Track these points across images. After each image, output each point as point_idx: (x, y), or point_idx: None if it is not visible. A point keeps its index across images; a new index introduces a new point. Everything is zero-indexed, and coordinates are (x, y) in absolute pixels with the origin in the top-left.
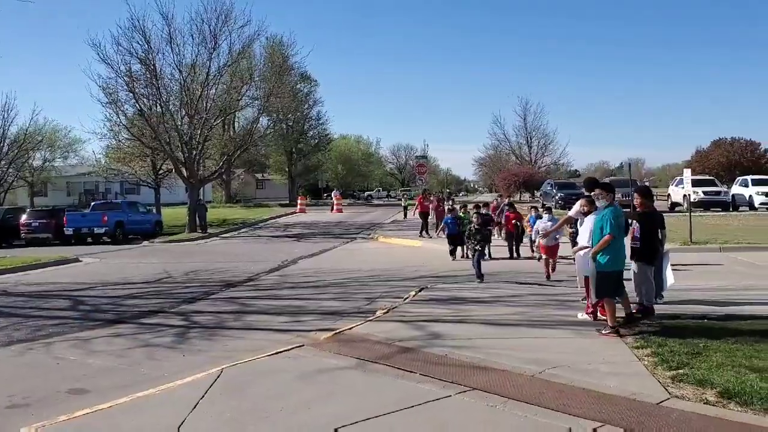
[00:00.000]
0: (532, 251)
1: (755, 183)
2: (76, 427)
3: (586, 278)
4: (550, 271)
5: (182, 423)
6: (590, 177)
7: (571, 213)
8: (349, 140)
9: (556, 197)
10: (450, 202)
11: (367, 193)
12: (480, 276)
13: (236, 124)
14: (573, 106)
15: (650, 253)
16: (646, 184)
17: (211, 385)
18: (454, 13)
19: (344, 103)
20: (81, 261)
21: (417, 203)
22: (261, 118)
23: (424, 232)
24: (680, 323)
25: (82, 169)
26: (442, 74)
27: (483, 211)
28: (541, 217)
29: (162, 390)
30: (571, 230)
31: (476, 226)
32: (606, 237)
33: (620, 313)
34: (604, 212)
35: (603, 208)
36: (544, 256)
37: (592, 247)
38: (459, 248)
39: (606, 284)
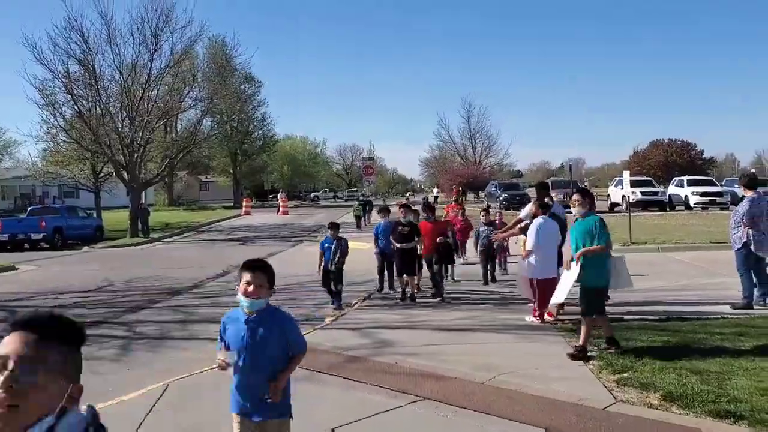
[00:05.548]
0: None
1: (690, 183)
2: None
3: (533, 281)
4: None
5: None
6: (542, 182)
7: (522, 215)
8: (294, 141)
9: (500, 198)
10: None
11: (313, 194)
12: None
13: (179, 126)
14: (515, 107)
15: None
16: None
17: (157, 400)
18: (398, 14)
19: (289, 104)
20: (18, 268)
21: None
22: (204, 120)
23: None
24: (623, 325)
25: (17, 173)
26: (386, 74)
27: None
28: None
29: (106, 406)
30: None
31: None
32: (598, 247)
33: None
34: (588, 219)
35: (583, 216)
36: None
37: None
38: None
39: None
